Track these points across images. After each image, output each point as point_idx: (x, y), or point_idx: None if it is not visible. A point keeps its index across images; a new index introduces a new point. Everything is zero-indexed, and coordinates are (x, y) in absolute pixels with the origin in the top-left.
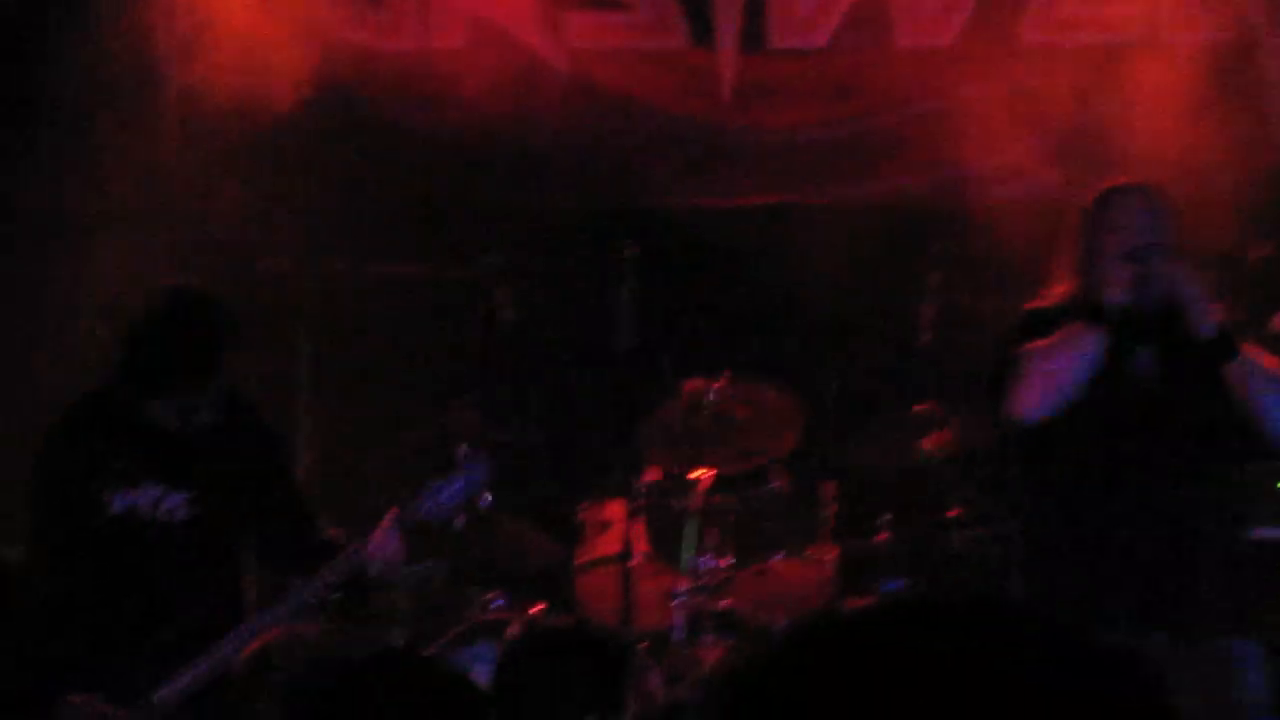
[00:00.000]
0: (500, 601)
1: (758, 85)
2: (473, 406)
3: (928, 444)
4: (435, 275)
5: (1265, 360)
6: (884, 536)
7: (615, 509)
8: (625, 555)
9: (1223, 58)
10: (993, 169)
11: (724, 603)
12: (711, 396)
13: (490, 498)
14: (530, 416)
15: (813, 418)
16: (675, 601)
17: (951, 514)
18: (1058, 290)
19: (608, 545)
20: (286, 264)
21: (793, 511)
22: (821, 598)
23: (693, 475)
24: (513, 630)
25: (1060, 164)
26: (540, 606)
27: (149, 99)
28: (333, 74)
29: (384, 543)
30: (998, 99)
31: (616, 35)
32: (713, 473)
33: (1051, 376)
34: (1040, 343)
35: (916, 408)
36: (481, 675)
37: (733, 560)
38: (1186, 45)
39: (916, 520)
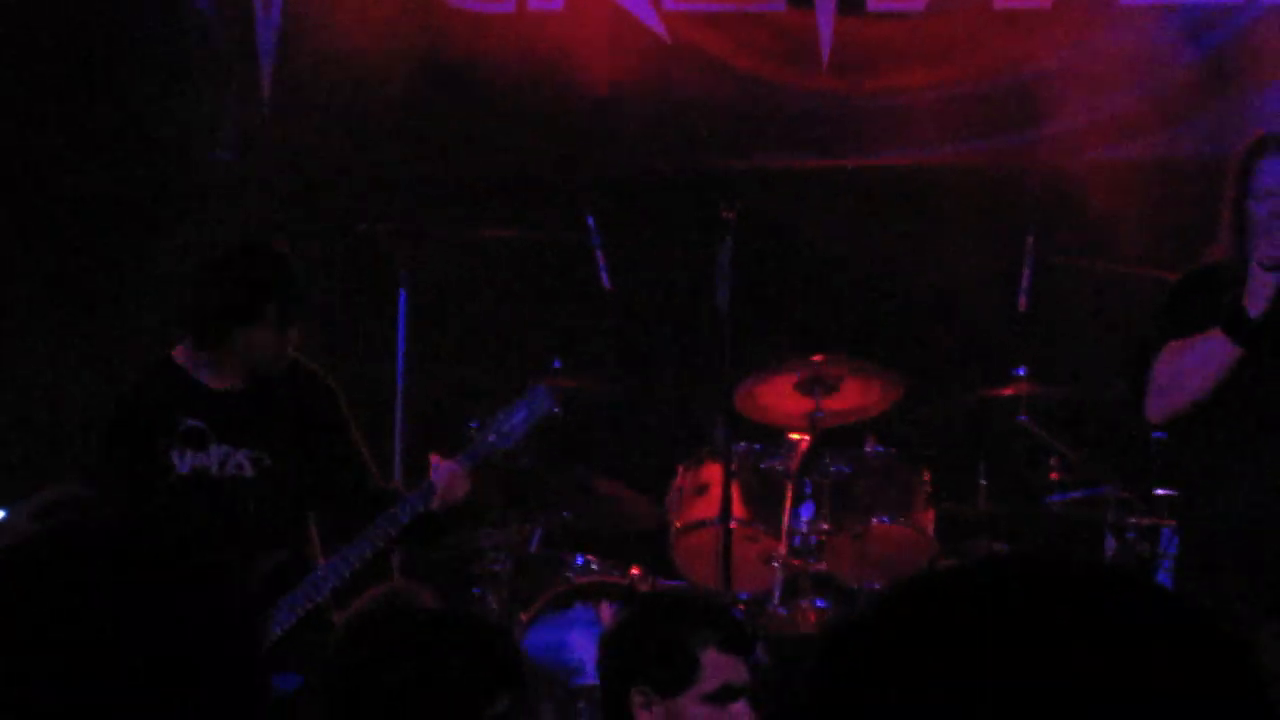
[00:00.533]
0: (596, 565)
1: (856, 48)
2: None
3: (1026, 407)
4: (535, 239)
5: None
6: (982, 501)
7: (713, 471)
8: (724, 518)
9: None
10: (1093, 130)
11: (821, 566)
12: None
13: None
14: (629, 379)
15: (911, 383)
16: (773, 564)
17: (1052, 477)
18: (1218, 250)
19: (706, 508)
20: (386, 229)
21: (890, 475)
22: (919, 562)
23: (791, 438)
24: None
25: (1163, 124)
26: (636, 570)
27: (249, 68)
28: (433, 38)
29: (448, 477)
30: (1097, 60)
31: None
32: (810, 436)
33: (1180, 384)
34: (1178, 344)
35: (1016, 370)
36: (578, 639)
37: (830, 524)
38: None
39: (1016, 484)
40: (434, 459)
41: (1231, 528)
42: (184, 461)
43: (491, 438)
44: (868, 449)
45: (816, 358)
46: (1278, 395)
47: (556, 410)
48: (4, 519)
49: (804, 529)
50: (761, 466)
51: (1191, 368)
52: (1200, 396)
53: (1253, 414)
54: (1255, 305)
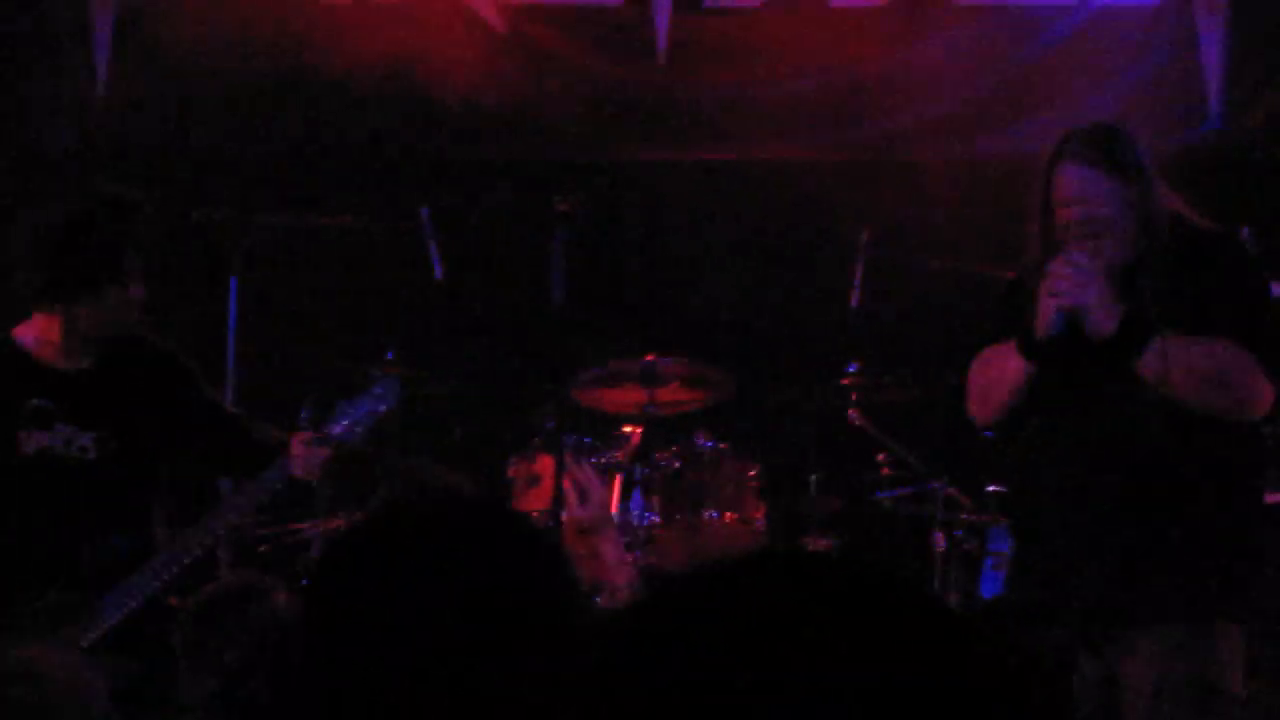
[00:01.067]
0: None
1: (692, 43)
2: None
3: (858, 403)
4: (369, 227)
5: (1192, 349)
6: (813, 496)
7: (545, 463)
8: (555, 510)
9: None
10: (927, 128)
11: (651, 559)
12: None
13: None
14: (461, 369)
15: (743, 379)
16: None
17: (882, 473)
18: (1031, 254)
19: (538, 499)
20: (221, 214)
21: (721, 469)
22: None
23: (623, 430)
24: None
25: (997, 122)
26: None
27: (86, 52)
28: (271, 26)
29: (307, 459)
30: (932, 58)
31: None
32: (641, 429)
33: (987, 394)
34: (989, 352)
35: (848, 366)
36: None
37: (660, 516)
38: (1118, 9)
39: (846, 479)
40: (298, 439)
41: (1046, 529)
42: (30, 442)
43: (336, 429)
44: (699, 442)
45: (649, 357)
46: (1080, 408)
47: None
48: None
49: (634, 521)
50: (593, 459)
51: (995, 379)
52: (1007, 406)
53: (1060, 425)
54: (1041, 327)
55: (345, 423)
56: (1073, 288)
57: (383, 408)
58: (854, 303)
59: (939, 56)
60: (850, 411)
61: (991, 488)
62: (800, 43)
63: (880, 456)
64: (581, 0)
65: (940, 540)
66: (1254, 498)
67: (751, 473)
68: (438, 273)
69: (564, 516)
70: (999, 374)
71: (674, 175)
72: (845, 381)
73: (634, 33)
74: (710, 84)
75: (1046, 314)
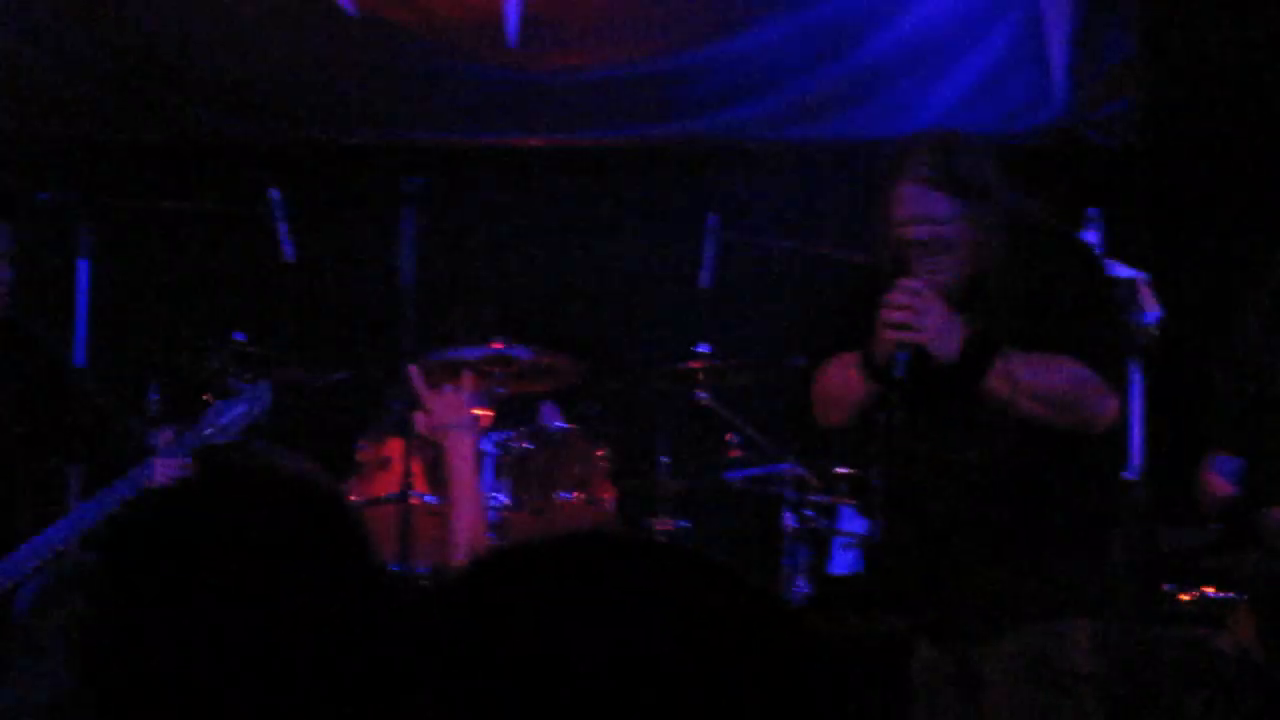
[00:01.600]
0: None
1: (545, 26)
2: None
3: (708, 384)
4: (218, 211)
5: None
6: (663, 477)
7: (394, 447)
8: (404, 494)
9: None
10: (776, 112)
11: (501, 540)
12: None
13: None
14: (311, 351)
15: (593, 362)
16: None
17: (731, 454)
18: (878, 259)
19: (387, 483)
20: (67, 199)
21: (571, 451)
22: None
23: (471, 412)
24: None
25: (842, 107)
26: None
27: None
28: (116, 8)
29: (168, 466)
30: (787, 42)
31: None
32: (491, 413)
33: (832, 406)
34: (834, 362)
35: (697, 348)
36: None
37: (511, 499)
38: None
39: (695, 461)
40: (163, 438)
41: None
42: None
43: (208, 430)
44: (549, 424)
45: (496, 345)
46: (929, 423)
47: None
48: None
49: (484, 503)
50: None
51: (840, 393)
52: (848, 417)
53: (912, 441)
54: (881, 356)
55: (216, 425)
56: (910, 320)
57: (257, 411)
58: (702, 284)
59: (793, 39)
60: (699, 393)
61: (840, 469)
62: (655, 24)
63: (729, 437)
64: None
65: (790, 520)
66: (1105, 501)
67: (601, 453)
68: (288, 255)
69: (412, 499)
70: (843, 388)
71: (526, 158)
72: (694, 364)
73: (486, 14)
74: (562, 67)
75: (886, 345)
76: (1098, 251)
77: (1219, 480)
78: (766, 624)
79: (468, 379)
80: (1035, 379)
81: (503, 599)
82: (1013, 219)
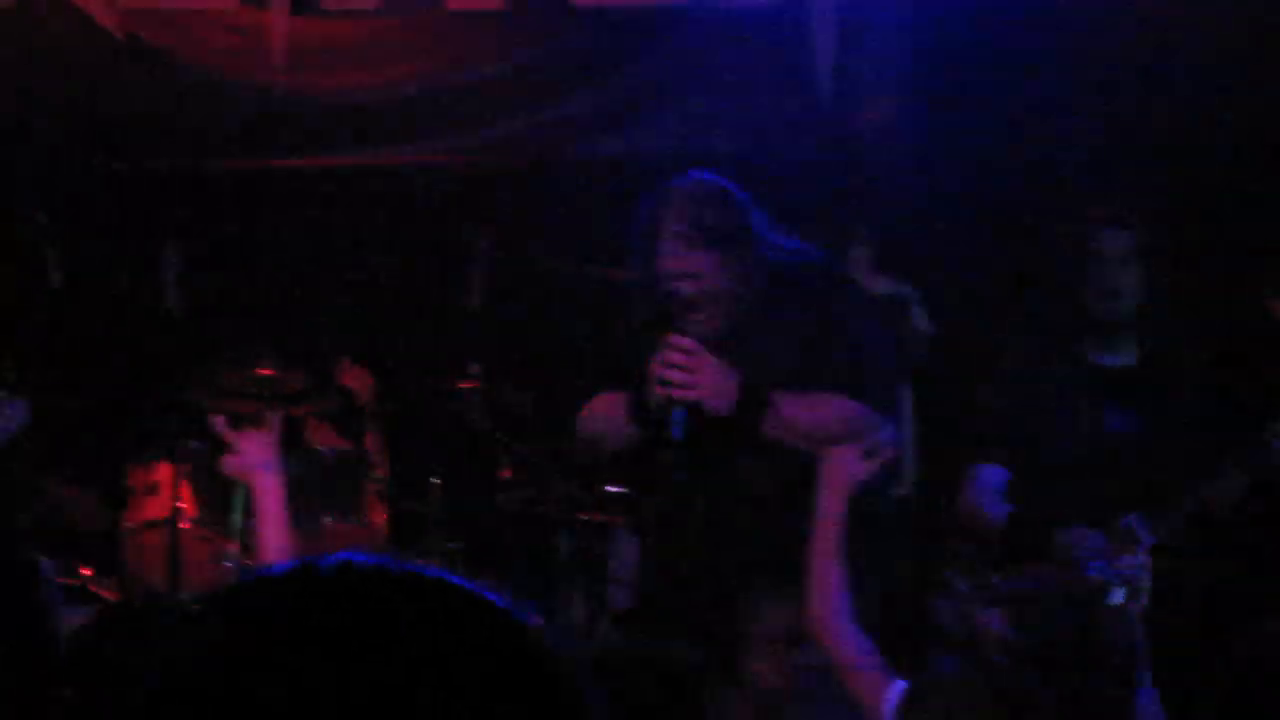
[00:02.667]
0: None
1: (310, 47)
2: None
3: (479, 406)
4: None
5: (805, 411)
6: (434, 498)
7: (164, 471)
8: (173, 518)
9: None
10: (550, 129)
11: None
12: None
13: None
14: (79, 378)
15: (367, 383)
16: (225, 563)
17: (503, 475)
18: (640, 305)
19: (157, 507)
20: None
21: (342, 473)
22: None
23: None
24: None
25: (622, 123)
26: (88, 571)
27: None
28: None
29: None
30: (553, 61)
31: None
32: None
33: (598, 443)
34: (599, 405)
35: (469, 368)
36: None
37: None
38: (735, 10)
39: (467, 482)
40: None
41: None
42: None
43: None
44: (320, 447)
45: (265, 371)
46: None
47: (24, 426)
48: None
49: (254, 528)
50: (212, 465)
51: (605, 432)
52: (612, 453)
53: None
54: (654, 408)
55: None
56: (684, 379)
57: (12, 427)
58: (473, 304)
59: (557, 59)
60: (472, 414)
61: (612, 488)
62: (418, 46)
63: (502, 458)
64: (195, 4)
65: (565, 540)
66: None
67: (373, 476)
68: (55, 279)
69: (182, 523)
70: (611, 428)
71: (294, 181)
72: (466, 384)
73: (252, 36)
74: (328, 88)
75: (657, 398)
76: (866, 272)
77: (988, 509)
78: (515, 652)
79: (273, 421)
80: (807, 419)
81: (245, 629)
82: (773, 259)
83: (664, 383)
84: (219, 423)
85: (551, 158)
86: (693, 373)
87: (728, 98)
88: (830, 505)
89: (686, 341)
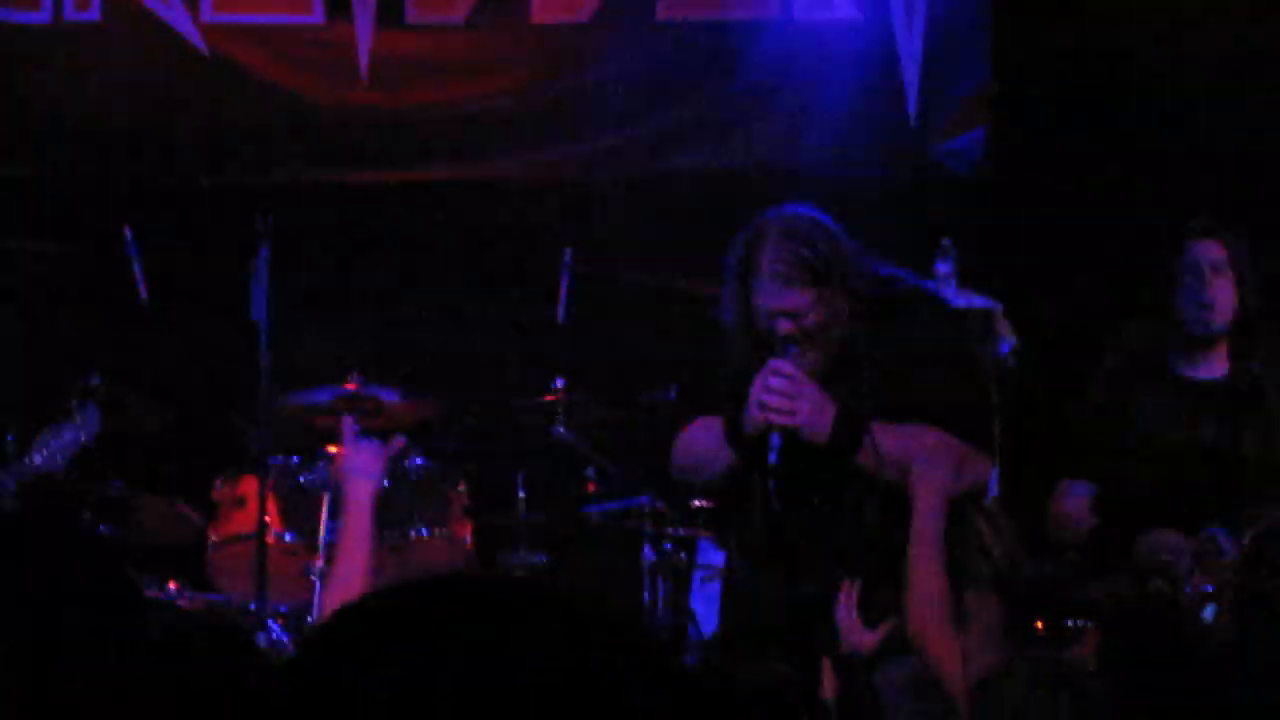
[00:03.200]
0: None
1: (396, 61)
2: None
3: (564, 419)
4: (72, 251)
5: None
6: (520, 512)
7: (249, 484)
8: (260, 532)
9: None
10: (636, 142)
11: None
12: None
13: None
14: (168, 391)
15: (451, 392)
16: (311, 577)
17: (589, 489)
18: (738, 344)
19: (243, 521)
20: None
21: (428, 487)
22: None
23: (328, 450)
24: None
25: (709, 137)
26: (174, 584)
27: None
28: None
29: None
30: (640, 72)
31: (252, 10)
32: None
33: (691, 468)
34: (697, 431)
35: (554, 382)
36: None
37: None
38: (819, 26)
39: (553, 496)
40: None
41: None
42: None
43: (38, 459)
44: (406, 460)
45: (350, 386)
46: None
47: (99, 432)
48: None
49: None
50: (299, 479)
51: (703, 459)
52: (709, 480)
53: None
54: (751, 431)
55: (45, 452)
56: (783, 405)
57: (84, 436)
58: (559, 319)
59: (640, 73)
60: (556, 428)
61: (698, 502)
62: (504, 59)
63: (587, 471)
64: (283, 19)
65: (649, 554)
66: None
67: (458, 489)
68: (143, 293)
69: (268, 538)
70: (709, 456)
71: (380, 194)
72: (551, 398)
73: (337, 51)
74: (416, 101)
75: (756, 423)
76: (952, 287)
77: (1079, 510)
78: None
79: (398, 441)
80: (900, 449)
81: (364, 647)
82: (869, 289)
83: (763, 406)
84: (348, 423)
85: (636, 172)
86: (792, 399)
87: (811, 113)
88: (926, 516)
89: (787, 366)
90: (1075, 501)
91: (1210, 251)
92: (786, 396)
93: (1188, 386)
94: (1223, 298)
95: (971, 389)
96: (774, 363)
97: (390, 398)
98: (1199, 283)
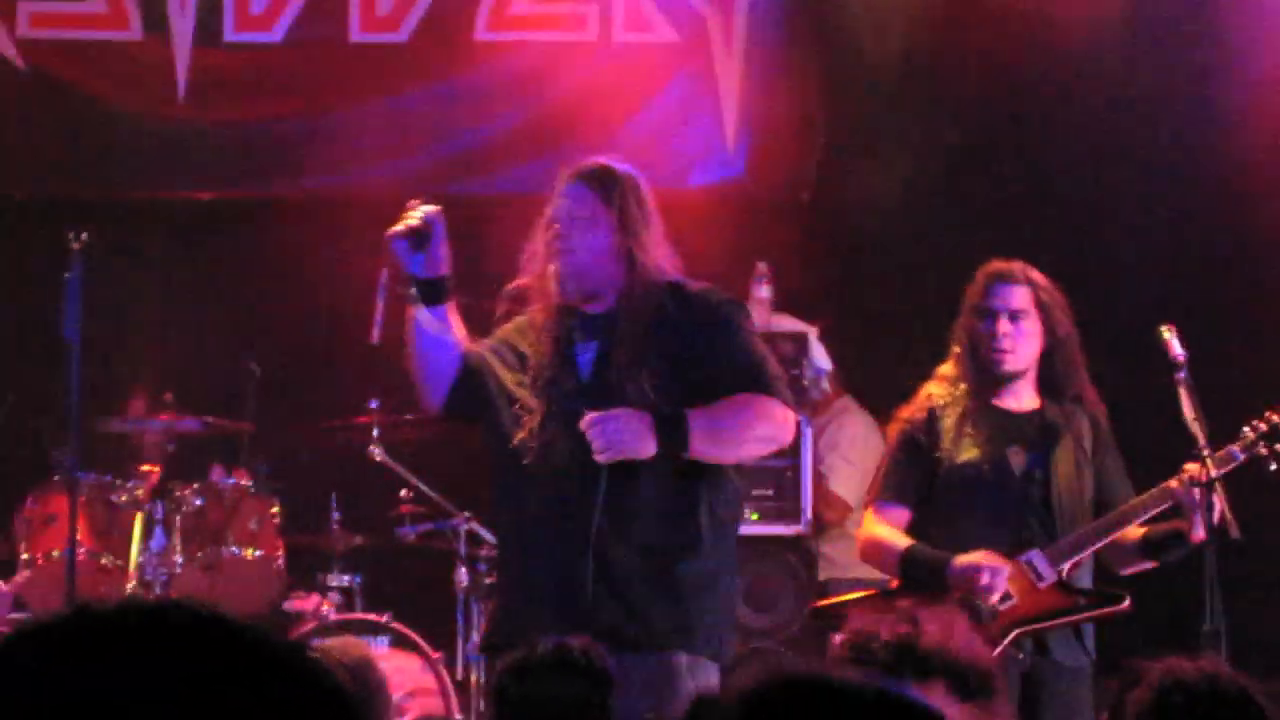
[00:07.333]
0: None
1: (213, 78)
2: None
3: (379, 440)
4: None
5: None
6: (334, 532)
7: (60, 502)
8: (71, 550)
9: (677, 57)
10: (445, 164)
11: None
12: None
13: None
14: None
15: (263, 410)
16: (126, 597)
17: (404, 509)
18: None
19: (54, 539)
20: None
21: (240, 506)
22: (269, 594)
23: (141, 468)
24: None
25: (519, 158)
26: None
27: None
28: None
29: None
30: (453, 93)
31: (70, 26)
32: (159, 468)
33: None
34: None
35: (369, 403)
36: None
37: (181, 555)
38: (638, 45)
39: (368, 515)
40: None
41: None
42: None
43: None
44: (217, 480)
45: (163, 416)
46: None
47: None
48: None
49: (155, 560)
50: (111, 497)
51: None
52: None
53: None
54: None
55: None
56: (600, 444)
57: None
58: (374, 340)
59: (457, 92)
60: (371, 448)
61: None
62: (323, 76)
63: (402, 493)
64: (99, 34)
65: (464, 576)
66: (722, 542)
67: (272, 509)
68: None
69: (79, 555)
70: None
71: (193, 211)
72: (365, 419)
73: (156, 68)
74: (232, 119)
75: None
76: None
77: (889, 541)
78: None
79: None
80: (720, 427)
81: None
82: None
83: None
84: None
85: (456, 190)
86: (608, 435)
87: (629, 133)
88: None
89: (592, 415)
90: (886, 524)
91: (1011, 298)
92: (601, 434)
93: (1003, 416)
94: (1023, 341)
95: (746, 349)
96: (589, 415)
97: (203, 430)
98: (994, 326)
